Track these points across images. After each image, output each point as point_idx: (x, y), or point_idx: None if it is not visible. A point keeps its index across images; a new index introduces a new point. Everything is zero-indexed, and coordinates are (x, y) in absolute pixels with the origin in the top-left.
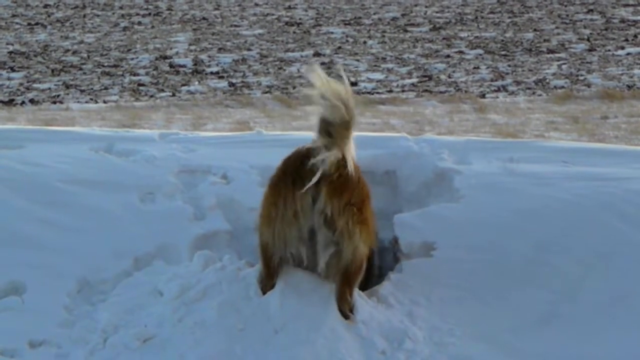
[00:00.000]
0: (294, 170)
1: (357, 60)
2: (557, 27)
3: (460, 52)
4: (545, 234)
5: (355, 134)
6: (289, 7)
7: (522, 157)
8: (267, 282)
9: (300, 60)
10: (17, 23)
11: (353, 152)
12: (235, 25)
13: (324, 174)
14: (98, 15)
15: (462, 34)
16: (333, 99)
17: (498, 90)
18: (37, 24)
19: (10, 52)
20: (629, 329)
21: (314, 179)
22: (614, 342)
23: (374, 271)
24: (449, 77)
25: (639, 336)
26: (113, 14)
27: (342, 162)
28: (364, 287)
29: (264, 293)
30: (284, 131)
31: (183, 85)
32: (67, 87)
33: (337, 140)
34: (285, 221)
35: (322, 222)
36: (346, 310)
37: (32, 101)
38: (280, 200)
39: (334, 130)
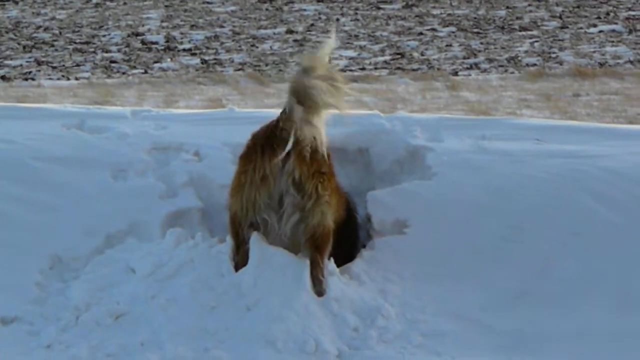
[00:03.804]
0: (263, 139)
1: (330, 38)
2: (529, 5)
3: (433, 29)
4: (517, 212)
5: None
6: None
7: (494, 135)
8: (237, 252)
9: (272, 38)
10: None
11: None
12: (208, 2)
13: (295, 142)
14: None
15: (435, 12)
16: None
17: (470, 67)
18: (8, 0)
19: None
20: (599, 306)
21: (288, 147)
22: (585, 319)
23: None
24: (422, 54)
25: (609, 313)
26: None
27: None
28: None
29: (237, 270)
30: (257, 108)
31: (155, 62)
32: (39, 63)
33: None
34: (254, 185)
35: (291, 184)
36: (319, 274)
37: (3, 78)
38: (250, 167)
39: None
